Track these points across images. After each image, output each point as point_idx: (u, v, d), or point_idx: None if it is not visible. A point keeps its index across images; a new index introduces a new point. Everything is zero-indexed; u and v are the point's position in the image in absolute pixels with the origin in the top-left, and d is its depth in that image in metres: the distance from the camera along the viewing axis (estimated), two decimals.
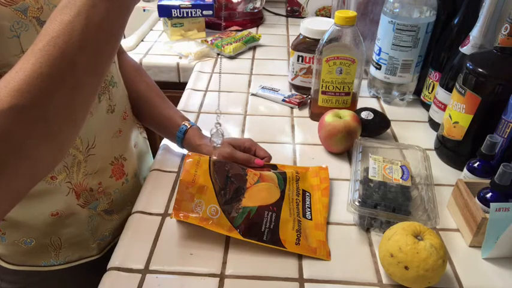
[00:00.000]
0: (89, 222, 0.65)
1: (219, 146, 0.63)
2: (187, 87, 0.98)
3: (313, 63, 0.89)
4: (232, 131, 0.81)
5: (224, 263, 0.54)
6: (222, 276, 0.52)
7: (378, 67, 0.88)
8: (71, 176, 0.59)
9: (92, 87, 0.39)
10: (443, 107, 0.77)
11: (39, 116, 0.35)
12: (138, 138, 0.75)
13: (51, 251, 0.63)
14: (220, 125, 0.61)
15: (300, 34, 0.90)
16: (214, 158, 0.63)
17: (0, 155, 0.33)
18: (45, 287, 0.68)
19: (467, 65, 0.64)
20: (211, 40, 1.16)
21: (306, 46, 0.89)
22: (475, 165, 0.63)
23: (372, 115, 0.77)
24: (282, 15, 1.44)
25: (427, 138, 0.79)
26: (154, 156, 0.76)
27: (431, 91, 0.84)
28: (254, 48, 1.19)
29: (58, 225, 0.62)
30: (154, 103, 0.73)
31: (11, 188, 0.36)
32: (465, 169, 0.64)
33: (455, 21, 0.78)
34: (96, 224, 0.66)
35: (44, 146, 0.36)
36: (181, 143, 0.70)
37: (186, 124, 0.70)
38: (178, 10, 1.17)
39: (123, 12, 0.38)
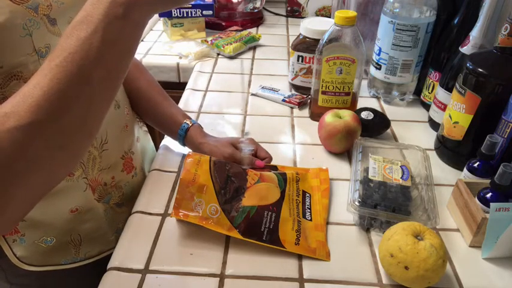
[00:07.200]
0: (106, 215, 0.66)
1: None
2: (187, 87, 0.98)
3: (313, 63, 0.89)
4: (232, 131, 0.81)
5: (224, 263, 0.54)
6: (222, 276, 0.52)
7: (378, 67, 0.88)
8: (87, 172, 0.60)
9: (107, 100, 0.40)
10: (443, 107, 0.77)
11: (56, 129, 0.36)
12: (139, 132, 0.76)
13: (71, 247, 0.63)
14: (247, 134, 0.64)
15: (300, 34, 0.90)
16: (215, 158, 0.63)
17: (18, 167, 0.34)
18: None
19: (467, 65, 0.64)
20: (211, 40, 1.16)
21: (306, 46, 0.89)
22: (475, 165, 0.63)
23: (372, 115, 0.77)
24: (282, 15, 1.44)
25: (427, 138, 0.79)
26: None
27: (431, 91, 0.84)
28: (254, 48, 1.19)
29: (78, 221, 0.62)
30: (156, 101, 0.73)
31: (26, 197, 0.37)
32: (465, 169, 0.64)
33: (455, 21, 0.78)
34: (111, 216, 0.67)
35: (59, 157, 0.38)
36: (183, 141, 0.71)
37: (188, 122, 0.70)
38: (178, 10, 1.17)
39: (138, 27, 0.39)
